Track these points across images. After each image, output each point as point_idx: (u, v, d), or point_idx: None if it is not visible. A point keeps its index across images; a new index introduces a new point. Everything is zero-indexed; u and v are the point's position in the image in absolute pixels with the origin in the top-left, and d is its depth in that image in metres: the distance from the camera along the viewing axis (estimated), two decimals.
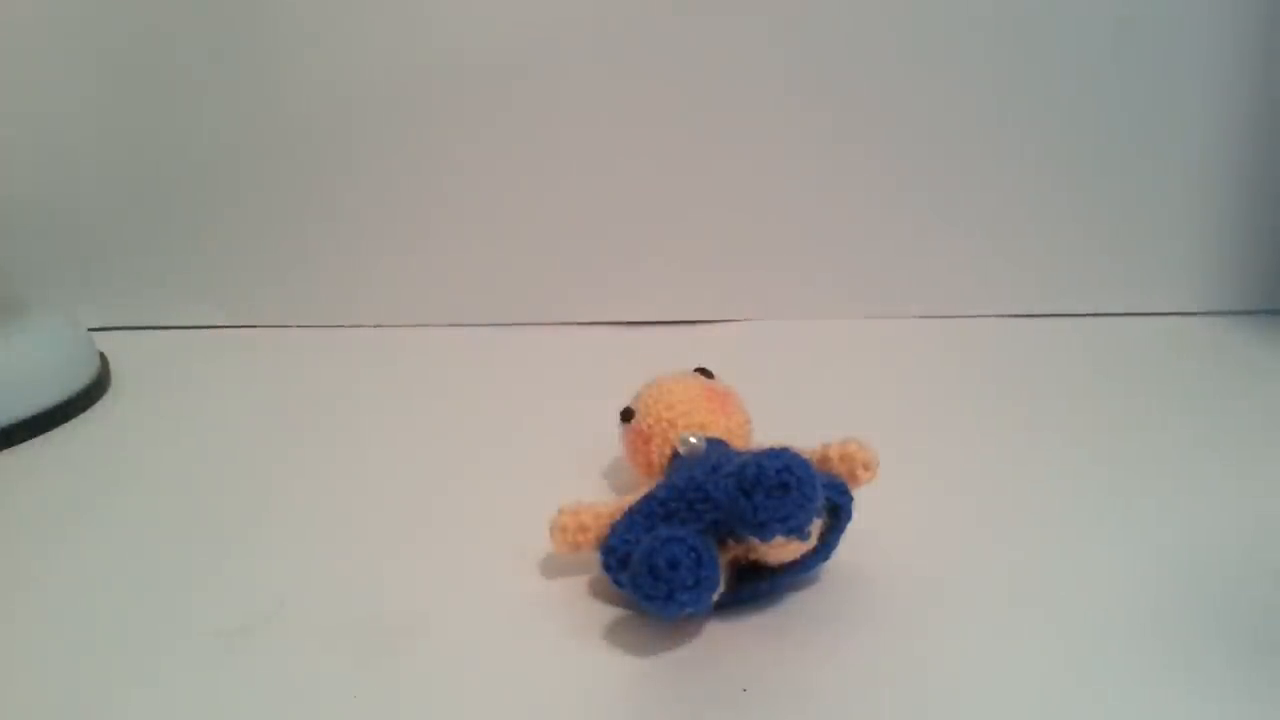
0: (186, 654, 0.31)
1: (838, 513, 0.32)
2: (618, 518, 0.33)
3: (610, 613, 0.33)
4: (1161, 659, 0.30)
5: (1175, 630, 0.32)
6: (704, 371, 0.40)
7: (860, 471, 0.34)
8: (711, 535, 0.31)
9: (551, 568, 0.35)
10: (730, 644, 0.31)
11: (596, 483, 0.42)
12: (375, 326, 0.61)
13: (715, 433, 0.36)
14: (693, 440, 0.35)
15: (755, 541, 0.30)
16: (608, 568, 0.32)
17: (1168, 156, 0.61)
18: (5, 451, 0.46)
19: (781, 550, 0.31)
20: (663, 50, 0.58)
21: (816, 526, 0.31)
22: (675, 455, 0.36)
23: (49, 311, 0.52)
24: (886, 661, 0.30)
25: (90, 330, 0.54)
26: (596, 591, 0.34)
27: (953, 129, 0.60)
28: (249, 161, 0.60)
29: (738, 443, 0.37)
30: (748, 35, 0.58)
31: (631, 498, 0.34)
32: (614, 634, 0.32)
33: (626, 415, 0.38)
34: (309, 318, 0.62)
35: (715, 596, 0.30)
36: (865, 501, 0.37)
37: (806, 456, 0.30)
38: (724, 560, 0.31)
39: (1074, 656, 0.30)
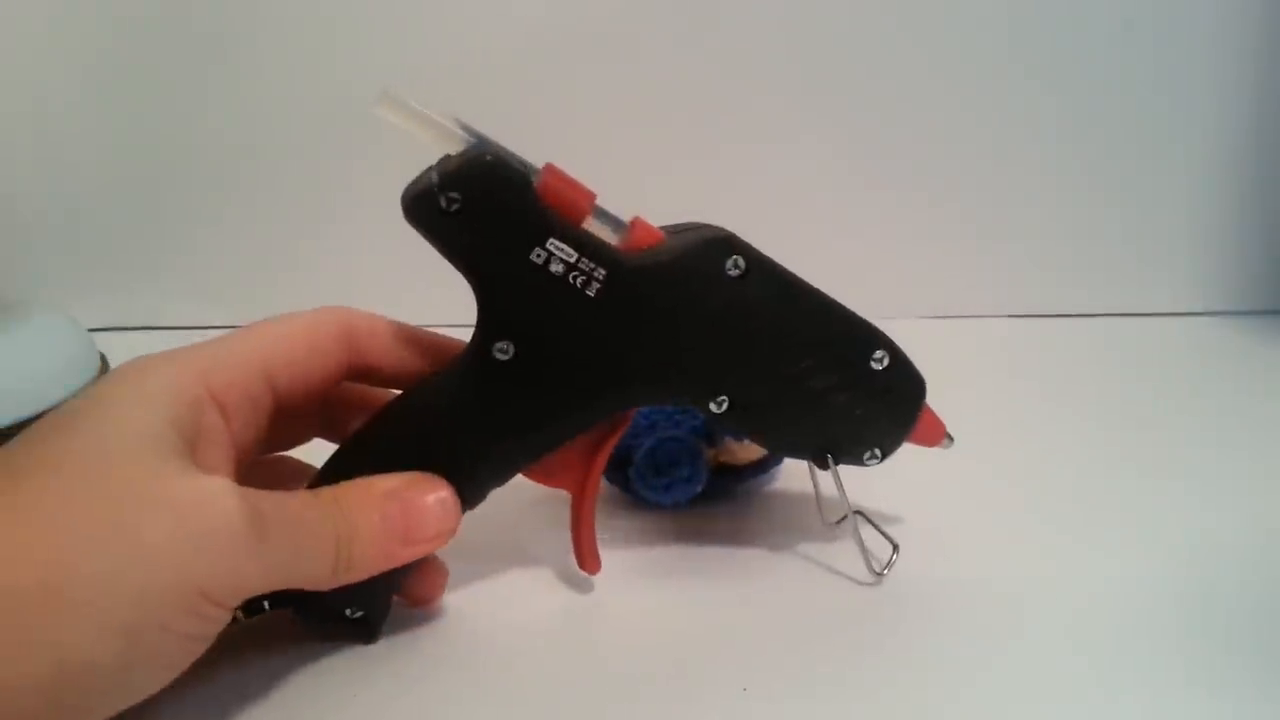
0: None
1: None
2: None
3: (608, 605, 0.33)
4: (1163, 658, 0.30)
5: (1179, 627, 0.32)
6: None
7: None
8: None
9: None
10: (730, 644, 0.31)
11: None
12: None
13: None
14: None
15: (730, 441, 0.37)
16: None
17: (1169, 158, 0.61)
18: None
19: (751, 450, 0.38)
20: (657, 48, 0.58)
21: None
22: None
23: (49, 311, 0.52)
24: (889, 660, 0.30)
25: (90, 330, 0.53)
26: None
27: (954, 130, 0.60)
28: (248, 161, 0.60)
29: None
30: (747, 34, 0.58)
31: None
32: (612, 630, 0.32)
33: None
34: None
35: (700, 488, 0.36)
36: (866, 502, 0.37)
37: None
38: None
39: (1078, 656, 0.30)
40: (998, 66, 0.59)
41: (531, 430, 0.30)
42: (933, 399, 0.35)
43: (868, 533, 0.35)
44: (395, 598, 0.31)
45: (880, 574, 0.34)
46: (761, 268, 0.30)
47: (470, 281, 0.29)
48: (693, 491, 0.37)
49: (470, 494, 0.30)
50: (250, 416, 0.28)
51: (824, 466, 0.33)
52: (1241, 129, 0.60)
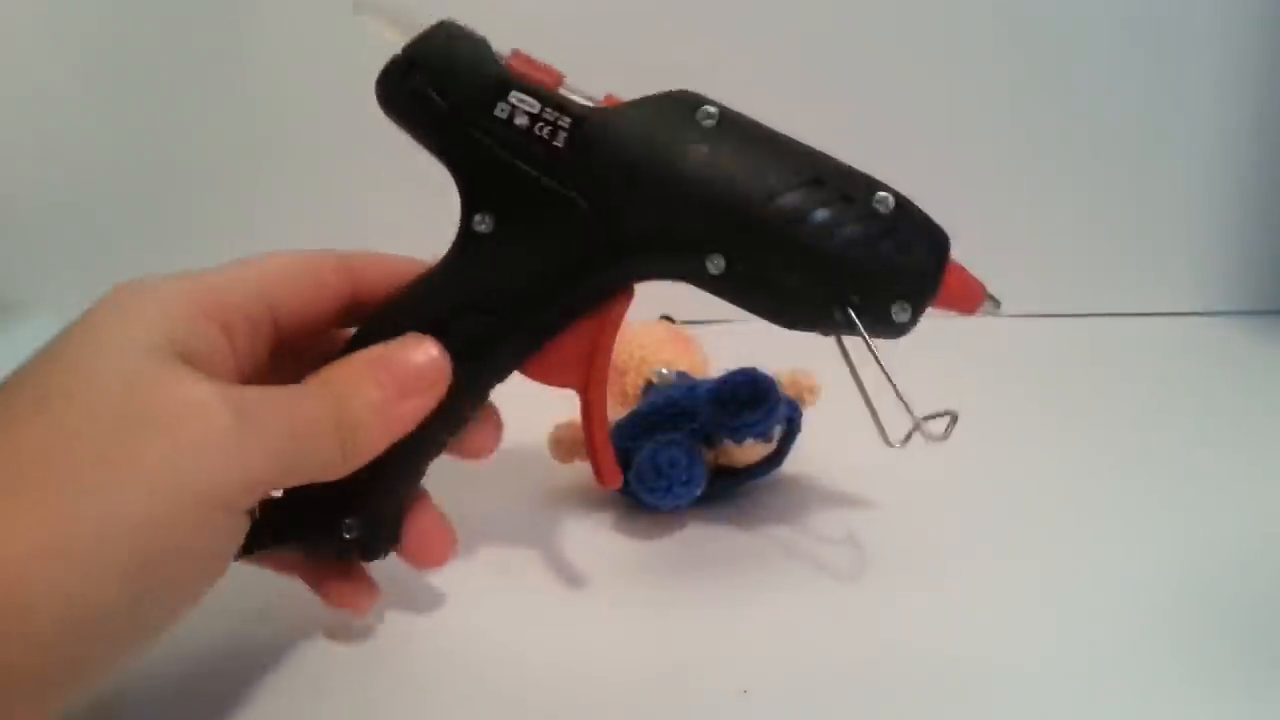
0: None
1: (790, 427, 0.39)
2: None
3: (609, 606, 0.33)
4: (1162, 657, 0.30)
5: (1178, 628, 0.31)
6: (667, 318, 0.46)
7: (807, 394, 0.40)
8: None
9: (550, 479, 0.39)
10: (730, 644, 0.31)
11: (576, 414, 0.43)
12: None
13: (681, 367, 0.42)
14: (664, 372, 0.41)
15: (728, 444, 0.37)
16: None
17: (1169, 157, 0.61)
18: None
19: (748, 453, 0.37)
20: (660, 45, 0.58)
21: (776, 433, 0.37)
22: (648, 386, 0.41)
23: (48, 311, 0.52)
24: (888, 662, 0.30)
25: None
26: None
27: (954, 129, 0.60)
28: (248, 162, 0.60)
29: (698, 375, 0.42)
30: (748, 31, 0.58)
31: (612, 418, 0.37)
32: (613, 631, 0.32)
33: None
34: None
35: (699, 491, 0.36)
36: (866, 502, 0.37)
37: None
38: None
39: (1079, 655, 0.30)
40: (997, 65, 0.59)
41: (522, 306, 0.29)
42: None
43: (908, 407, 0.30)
44: (399, 557, 0.31)
45: (943, 437, 0.30)
46: (737, 118, 0.29)
47: (444, 161, 0.29)
48: (692, 494, 0.37)
49: (470, 386, 0.29)
50: (250, 342, 0.27)
51: (846, 325, 0.29)
52: (1242, 129, 0.60)
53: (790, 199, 0.28)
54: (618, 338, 0.43)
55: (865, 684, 0.29)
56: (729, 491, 0.39)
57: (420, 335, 0.28)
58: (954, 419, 0.30)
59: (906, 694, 0.29)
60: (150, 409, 0.23)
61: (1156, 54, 0.59)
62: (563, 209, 0.28)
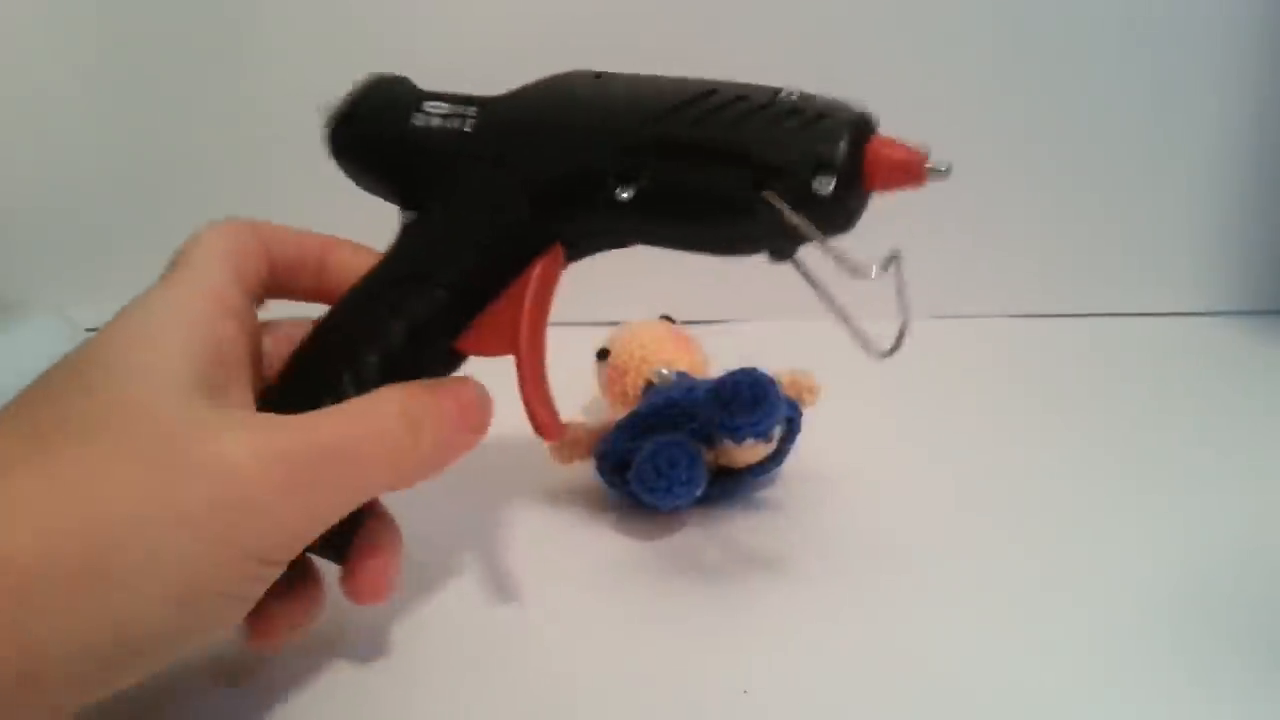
0: None
1: (791, 427, 0.39)
2: (605, 433, 0.39)
3: (609, 606, 0.33)
4: (1161, 657, 0.30)
5: (1177, 627, 0.32)
6: (667, 318, 0.47)
7: (807, 394, 0.40)
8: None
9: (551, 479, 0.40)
10: (730, 644, 0.31)
11: (577, 414, 0.45)
12: None
13: (681, 367, 0.41)
14: (664, 372, 0.41)
15: (728, 444, 0.37)
16: (601, 472, 0.39)
17: (1169, 158, 0.61)
18: None
19: (748, 453, 0.37)
20: (663, 44, 0.58)
21: (776, 433, 0.37)
22: (648, 386, 0.41)
23: (47, 311, 0.52)
24: (888, 662, 0.30)
25: (88, 330, 0.53)
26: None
27: (954, 129, 0.60)
28: (248, 162, 0.60)
29: (698, 375, 0.42)
30: (746, 29, 0.58)
31: (613, 418, 0.39)
32: (613, 631, 0.32)
33: (603, 354, 0.43)
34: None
35: (699, 491, 0.36)
36: (865, 502, 0.37)
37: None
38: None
39: (1078, 654, 0.30)
40: (997, 64, 0.59)
41: (453, 275, 0.30)
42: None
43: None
44: (342, 585, 0.30)
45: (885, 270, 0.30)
46: (626, 74, 0.31)
47: (386, 186, 0.33)
48: (692, 495, 0.37)
49: (421, 363, 0.30)
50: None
51: (772, 221, 0.28)
52: (1242, 128, 0.60)
53: (683, 106, 0.28)
54: (617, 338, 0.43)
55: (865, 684, 0.29)
56: (729, 491, 0.39)
57: (464, 377, 0.30)
58: (896, 256, 0.30)
59: (907, 693, 0.29)
60: (194, 457, 0.23)
61: (1157, 54, 0.58)
62: (479, 182, 0.31)
